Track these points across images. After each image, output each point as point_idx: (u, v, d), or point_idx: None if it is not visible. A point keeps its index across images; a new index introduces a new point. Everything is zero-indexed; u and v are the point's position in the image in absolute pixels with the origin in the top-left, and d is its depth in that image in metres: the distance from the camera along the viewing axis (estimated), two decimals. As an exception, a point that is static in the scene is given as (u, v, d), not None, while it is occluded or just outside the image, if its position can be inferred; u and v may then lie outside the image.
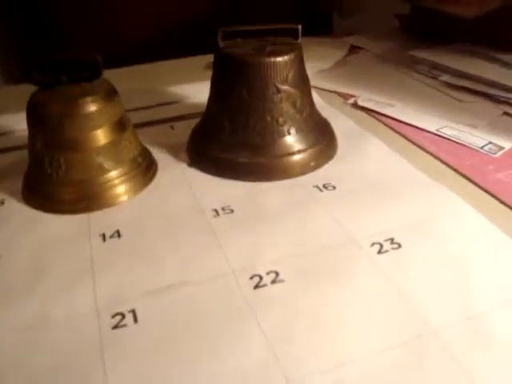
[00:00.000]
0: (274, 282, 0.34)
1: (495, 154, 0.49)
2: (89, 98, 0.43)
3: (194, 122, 0.53)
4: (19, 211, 0.44)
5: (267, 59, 0.44)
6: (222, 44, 0.46)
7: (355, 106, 0.61)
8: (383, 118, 0.58)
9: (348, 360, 0.29)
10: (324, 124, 0.51)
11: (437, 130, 0.54)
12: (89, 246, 0.39)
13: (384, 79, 0.68)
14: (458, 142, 0.51)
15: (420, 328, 0.30)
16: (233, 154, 0.46)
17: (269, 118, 0.45)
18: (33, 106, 0.44)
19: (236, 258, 0.37)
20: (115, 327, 0.32)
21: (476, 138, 0.52)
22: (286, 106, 0.45)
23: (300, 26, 0.46)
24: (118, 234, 0.41)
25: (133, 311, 0.33)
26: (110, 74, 0.47)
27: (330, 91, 0.65)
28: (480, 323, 0.30)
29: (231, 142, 0.46)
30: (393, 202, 0.42)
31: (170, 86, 0.68)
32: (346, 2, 1.04)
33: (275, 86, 0.44)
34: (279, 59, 0.44)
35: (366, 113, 0.59)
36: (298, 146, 0.46)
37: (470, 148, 0.50)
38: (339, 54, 0.79)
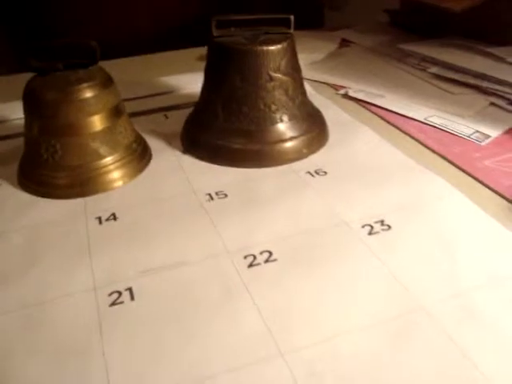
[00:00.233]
0: (267, 261, 0.35)
1: (482, 142, 0.50)
2: (85, 84, 0.43)
3: (187, 112, 0.53)
4: (15, 196, 0.45)
5: (260, 48, 0.45)
6: (215, 32, 0.47)
7: (346, 96, 0.62)
8: (373, 108, 0.59)
9: (339, 332, 0.30)
10: (316, 113, 0.52)
11: (425, 119, 0.55)
12: (85, 229, 0.40)
13: (374, 71, 0.70)
14: (445, 131, 0.52)
15: (410, 303, 0.31)
16: (226, 140, 0.47)
17: (262, 106, 0.46)
18: (29, 92, 0.44)
19: (230, 238, 0.38)
20: (112, 304, 0.33)
21: (463, 126, 0.53)
22: (279, 94, 0.46)
23: (292, 16, 0.47)
24: (114, 216, 0.41)
25: (129, 289, 0.34)
26: (103, 65, 0.47)
27: (322, 82, 0.66)
28: (467, 299, 0.31)
29: (225, 128, 0.47)
30: (382, 187, 0.43)
31: (163, 77, 0.69)
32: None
33: (268, 73, 0.45)
34: (272, 48, 0.45)
35: (357, 103, 0.61)
36: (290, 133, 0.47)
37: (458, 136, 0.51)
38: (330, 47, 0.80)
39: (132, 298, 0.33)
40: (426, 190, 0.43)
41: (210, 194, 0.43)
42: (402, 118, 0.56)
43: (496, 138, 0.51)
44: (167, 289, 0.34)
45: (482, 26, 0.69)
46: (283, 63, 0.46)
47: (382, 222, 0.39)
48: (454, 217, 0.39)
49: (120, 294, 0.33)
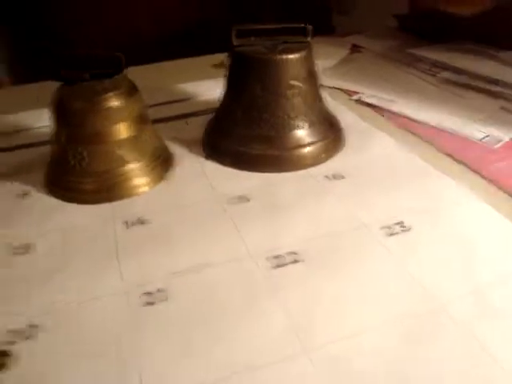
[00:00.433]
0: (293, 262, 0.37)
1: (494, 145, 0.52)
2: (111, 94, 0.45)
3: (206, 118, 0.55)
4: (42, 201, 0.46)
5: (280, 57, 0.47)
6: (236, 42, 0.48)
7: (359, 101, 0.64)
8: (386, 113, 0.60)
9: (362, 331, 0.31)
10: (332, 118, 0.53)
11: (437, 124, 0.56)
12: (113, 233, 0.42)
13: (385, 76, 0.71)
14: (457, 135, 0.54)
15: (430, 301, 0.33)
16: (247, 146, 0.49)
17: (281, 113, 0.48)
18: (57, 101, 0.46)
19: (254, 242, 0.39)
20: (144, 305, 0.34)
21: (475, 130, 0.54)
22: (298, 101, 0.48)
23: (311, 26, 0.49)
24: (141, 221, 0.43)
25: (160, 291, 0.35)
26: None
27: (336, 88, 0.68)
28: (485, 295, 0.33)
29: (245, 135, 0.49)
30: (399, 190, 0.45)
31: (181, 84, 0.70)
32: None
33: (288, 82, 0.47)
34: (291, 57, 0.47)
35: (370, 108, 0.62)
36: (308, 139, 0.49)
37: (470, 140, 0.53)
38: (342, 52, 0.82)
39: (164, 299, 0.34)
40: (442, 193, 0.44)
41: (232, 199, 0.45)
42: (414, 122, 0.58)
43: (507, 141, 0.52)
44: (195, 291, 0.35)
45: (492, 30, 0.71)
46: (302, 71, 0.47)
47: (401, 224, 0.40)
48: (470, 219, 0.41)
49: (151, 295, 0.35)
